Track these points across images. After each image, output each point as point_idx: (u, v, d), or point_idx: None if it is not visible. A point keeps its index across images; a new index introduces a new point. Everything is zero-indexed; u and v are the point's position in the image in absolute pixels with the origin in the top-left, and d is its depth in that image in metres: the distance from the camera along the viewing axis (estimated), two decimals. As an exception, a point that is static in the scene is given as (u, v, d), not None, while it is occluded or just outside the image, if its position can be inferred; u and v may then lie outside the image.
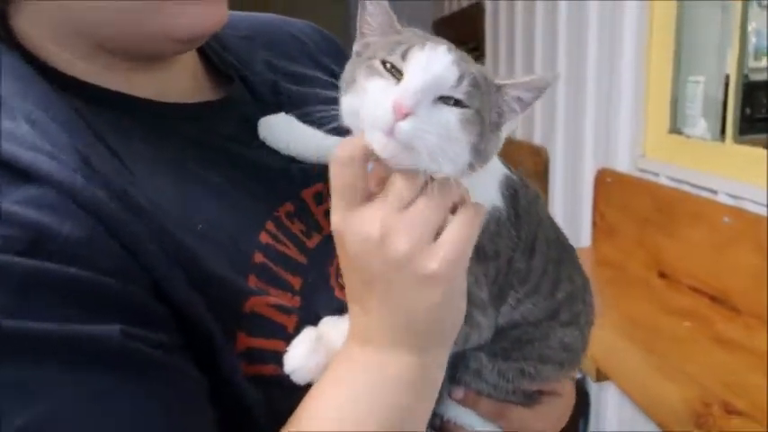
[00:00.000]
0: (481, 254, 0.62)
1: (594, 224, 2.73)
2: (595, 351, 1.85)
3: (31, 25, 0.61)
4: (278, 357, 0.59)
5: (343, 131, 0.65)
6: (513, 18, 3.56)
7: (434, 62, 0.53)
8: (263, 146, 0.72)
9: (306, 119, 0.72)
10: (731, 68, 2.06)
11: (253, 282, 0.61)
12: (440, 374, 0.60)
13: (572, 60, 2.87)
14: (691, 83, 2.35)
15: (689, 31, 2.34)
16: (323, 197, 0.72)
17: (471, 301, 0.61)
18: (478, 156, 0.55)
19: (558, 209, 3.11)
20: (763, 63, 3.30)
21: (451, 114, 0.53)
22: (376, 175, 0.55)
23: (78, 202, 0.50)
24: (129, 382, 0.49)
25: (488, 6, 3.99)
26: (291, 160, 0.72)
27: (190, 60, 0.73)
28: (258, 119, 0.73)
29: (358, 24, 0.60)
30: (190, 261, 0.56)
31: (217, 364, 0.56)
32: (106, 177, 0.54)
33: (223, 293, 0.58)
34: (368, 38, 0.60)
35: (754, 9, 3.20)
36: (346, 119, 0.57)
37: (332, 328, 0.62)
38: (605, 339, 1.92)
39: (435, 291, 0.53)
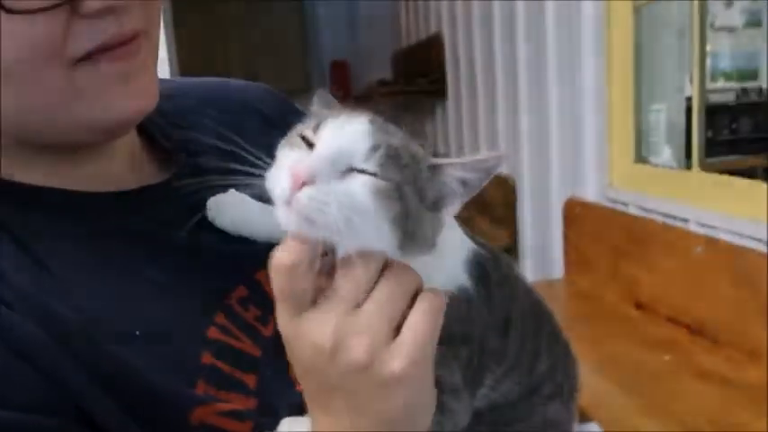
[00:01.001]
0: (451, 338, 0.57)
1: (566, 255, 2.71)
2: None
3: None
4: None
5: None
6: (471, 49, 3.57)
7: (344, 132, 0.50)
8: (211, 228, 0.66)
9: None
10: (694, 95, 2.06)
11: (201, 388, 0.56)
12: None
13: (533, 89, 2.88)
14: (653, 111, 2.36)
15: (647, 60, 2.35)
16: None
17: (442, 388, 0.57)
18: (409, 237, 0.50)
19: (527, 239, 3.09)
20: (719, 84, 3.37)
21: (358, 185, 0.49)
22: (321, 269, 0.50)
23: None
24: None
25: (447, 37, 4.00)
26: (244, 241, 0.67)
27: (126, 143, 0.67)
28: (206, 199, 0.67)
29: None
30: (125, 379, 0.52)
31: None
32: (24, 293, 0.49)
33: (166, 409, 0.53)
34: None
35: (707, 33, 3.27)
36: (269, 191, 0.53)
37: (293, 424, 0.57)
38: (585, 377, 1.88)
39: (401, 392, 0.49)
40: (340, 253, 0.49)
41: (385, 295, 0.49)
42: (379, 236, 0.49)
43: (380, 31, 5.54)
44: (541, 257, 2.98)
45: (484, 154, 0.53)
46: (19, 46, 0.49)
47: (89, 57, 0.53)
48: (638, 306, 2.24)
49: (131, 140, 0.68)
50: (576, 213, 2.61)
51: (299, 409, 0.58)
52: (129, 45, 0.54)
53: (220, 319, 0.61)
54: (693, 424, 1.62)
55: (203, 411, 0.55)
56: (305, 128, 0.52)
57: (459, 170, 0.53)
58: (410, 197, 0.50)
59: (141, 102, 0.58)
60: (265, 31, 6.10)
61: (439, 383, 0.56)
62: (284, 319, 0.50)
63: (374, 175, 0.49)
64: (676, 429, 1.61)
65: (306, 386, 0.52)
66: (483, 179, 0.53)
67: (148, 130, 0.71)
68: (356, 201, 0.48)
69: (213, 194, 0.67)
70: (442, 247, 0.58)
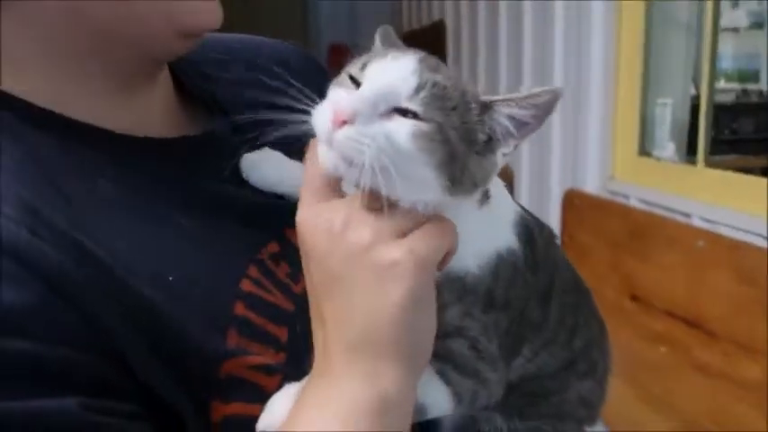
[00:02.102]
0: (491, 302, 0.57)
1: (564, 246, 2.72)
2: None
3: (12, 45, 0.55)
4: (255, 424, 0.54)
5: None
6: (475, 37, 3.56)
7: (390, 70, 0.50)
8: (245, 184, 0.66)
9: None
10: (702, 91, 2.07)
11: (233, 338, 0.55)
12: (406, 400, 0.51)
13: (537, 79, 2.87)
14: (659, 105, 2.37)
15: (656, 54, 2.35)
16: None
17: (480, 354, 0.57)
18: (455, 182, 0.49)
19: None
20: (721, 84, 3.38)
21: (400, 126, 0.48)
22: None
23: (24, 263, 0.46)
24: None
25: (450, 25, 3.98)
26: (277, 197, 0.67)
27: (166, 90, 0.68)
28: (240, 155, 0.67)
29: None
30: (155, 323, 0.51)
31: None
32: (59, 230, 0.49)
33: (195, 358, 0.53)
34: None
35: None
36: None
37: None
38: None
39: (397, 286, 0.48)
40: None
41: (400, 212, 0.50)
42: (421, 181, 0.48)
43: (382, 15, 5.51)
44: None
45: (538, 89, 0.51)
46: None
47: None
48: (635, 298, 2.25)
49: (168, 84, 0.68)
50: (575, 204, 2.61)
51: None
52: None
53: (253, 272, 0.61)
54: (690, 415, 1.63)
55: (233, 364, 0.54)
56: (353, 66, 0.52)
57: (513, 107, 0.51)
58: (456, 140, 0.49)
59: (215, 13, 0.61)
60: (266, 12, 6.06)
61: (476, 349, 0.56)
62: (306, 204, 0.52)
63: (416, 115, 0.48)
64: (674, 420, 1.63)
65: (311, 289, 0.53)
66: (541, 117, 0.51)
67: (183, 82, 0.70)
68: (396, 143, 0.47)
69: (249, 151, 0.67)
70: (493, 204, 0.57)
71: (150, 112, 0.64)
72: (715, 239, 1.92)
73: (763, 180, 1.88)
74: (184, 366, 0.52)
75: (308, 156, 0.53)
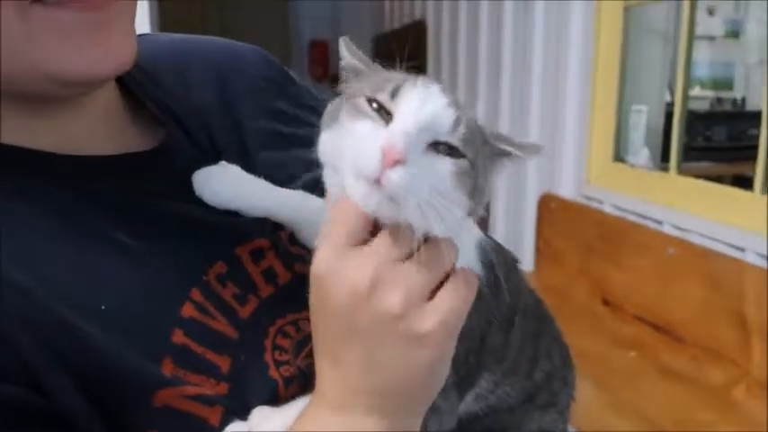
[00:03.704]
0: None
1: (538, 249, 2.74)
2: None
3: None
4: None
5: (286, 182, 0.61)
6: (456, 39, 3.56)
7: (429, 102, 0.47)
8: (197, 200, 0.62)
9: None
10: (676, 99, 2.09)
11: (168, 368, 0.53)
12: None
13: (516, 82, 2.88)
14: (634, 112, 2.39)
15: (633, 61, 2.37)
16: (262, 254, 0.64)
17: None
18: (473, 212, 0.50)
19: (500, 231, 3.11)
20: (695, 92, 3.42)
21: (446, 165, 0.47)
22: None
23: None
24: None
25: (431, 25, 3.98)
26: (230, 214, 0.64)
27: (101, 101, 0.62)
28: (194, 170, 0.63)
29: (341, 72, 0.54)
30: (84, 355, 0.49)
31: None
32: None
33: (127, 389, 0.51)
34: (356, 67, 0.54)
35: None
36: (323, 156, 0.51)
37: (265, 420, 0.54)
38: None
39: (424, 354, 0.48)
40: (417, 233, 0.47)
41: (426, 258, 0.47)
42: (451, 218, 0.47)
43: (363, 13, 5.50)
44: (513, 250, 2.99)
45: (531, 141, 0.53)
46: None
47: (49, 2, 0.49)
48: (606, 303, 2.28)
49: (107, 99, 0.63)
50: (550, 208, 2.63)
51: (271, 398, 0.57)
52: None
53: (196, 295, 0.57)
54: (657, 420, 1.65)
55: (168, 393, 0.52)
56: (374, 92, 0.48)
57: (510, 146, 0.51)
58: (480, 171, 0.49)
59: (113, 56, 0.54)
60: (247, 8, 6.02)
61: None
62: (326, 255, 0.48)
63: (455, 151, 0.47)
64: (641, 424, 1.64)
65: (323, 331, 0.50)
66: (527, 159, 0.52)
67: (130, 91, 0.66)
68: (444, 182, 0.46)
69: (201, 167, 0.63)
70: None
71: (83, 131, 0.60)
72: (685, 247, 1.95)
73: (733, 189, 1.91)
74: (116, 399, 0.50)
75: (337, 203, 0.49)
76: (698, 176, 2.14)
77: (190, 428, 0.52)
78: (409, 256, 0.47)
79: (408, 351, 0.48)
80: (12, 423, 0.45)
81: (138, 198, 0.59)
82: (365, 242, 0.48)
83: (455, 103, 0.48)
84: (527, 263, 2.82)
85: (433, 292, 0.48)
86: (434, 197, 0.46)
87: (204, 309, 0.57)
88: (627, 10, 2.30)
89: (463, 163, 0.47)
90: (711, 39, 3.39)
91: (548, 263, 2.67)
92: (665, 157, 2.28)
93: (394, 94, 0.47)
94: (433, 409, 0.56)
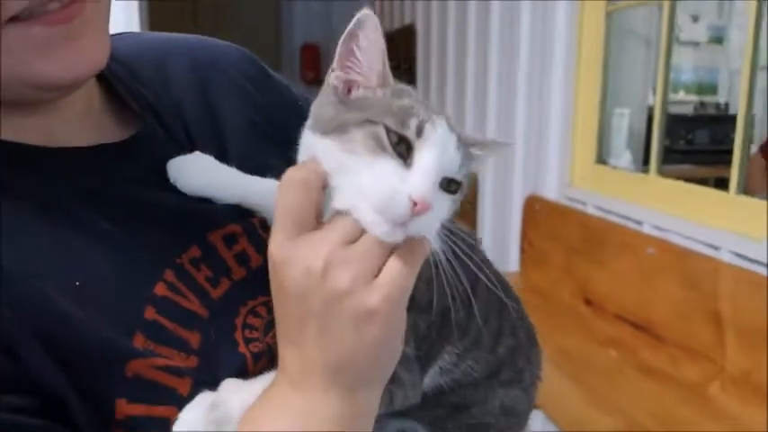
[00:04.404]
0: (411, 303, 0.58)
1: (523, 250, 2.77)
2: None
3: None
4: (165, 425, 0.55)
5: (260, 171, 0.65)
6: (444, 43, 3.61)
7: (447, 147, 0.51)
8: (171, 187, 0.66)
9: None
10: (656, 105, 2.14)
11: (139, 341, 0.56)
12: (371, 416, 0.57)
13: (502, 85, 2.92)
14: (616, 115, 2.43)
15: (615, 66, 2.42)
16: (235, 238, 0.67)
17: None
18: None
19: (486, 232, 3.14)
20: (680, 96, 3.48)
21: (449, 202, 0.53)
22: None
23: None
24: None
25: (420, 29, 4.03)
26: (203, 201, 0.67)
27: (81, 96, 0.65)
28: (169, 159, 0.66)
29: (340, 50, 0.54)
30: (58, 326, 0.52)
31: None
32: None
33: (100, 360, 0.54)
34: (352, 75, 0.55)
35: (673, 46, 3.37)
36: (324, 163, 0.53)
37: (233, 393, 0.57)
38: (535, 368, 1.94)
39: (373, 328, 0.51)
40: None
41: (374, 239, 0.50)
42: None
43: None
44: (499, 251, 3.03)
45: (497, 139, 0.59)
46: None
47: (22, 18, 0.52)
48: (588, 303, 2.31)
49: (88, 94, 0.66)
50: (535, 210, 2.67)
51: (240, 372, 0.60)
52: (69, 7, 0.53)
53: (169, 276, 0.61)
54: (634, 416, 1.68)
55: (139, 364, 0.55)
56: (400, 127, 0.50)
57: (483, 159, 0.57)
58: (466, 185, 0.54)
59: (85, 61, 0.57)
60: (239, 10, 6.05)
61: None
62: (279, 240, 0.51)
63: (460, 184, 0.52)
64: (618, 420, 1.68)
65: (283, 314, 0.54)
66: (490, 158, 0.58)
67: (111, 85, 0.69)
68: (446, 213, 0.53)
69: (175, 156, 0.66)
70: None
71: (62, 124, 0.63)
72: (664, 246, 1.99)
73: (710, 190, 1.95)
74: (90, 369, 0.53)
75: (284, 181, 0.52)
76: (680, 179, 2.17)
77: (159, 396, 0.55)
78: (359, 235, 0.51)
79: (359, 327, 0.50)
80: None
81: (116, 186, 0.62)
82: (315, 226, 0.52)
83: (459, 138, 0.52)
84: (513, 264, 2.86)
85: (382, 265, 0.51)
86: (439, 223, 0.52)
87: (176, 289, 0.60)
88: (609, 15, 2.34)
89: (459, 192, 0.52)
90: (696, 44, 3.45)
91: (532, 264, 2.71)
92: (647, 159, 2.32)
93: (419, 133, 0.50)
94: (398, 382, 0.59)
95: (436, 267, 0.58)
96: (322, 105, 0.55)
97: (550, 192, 2.59)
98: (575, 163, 2.50)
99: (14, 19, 0.51)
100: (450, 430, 0.68)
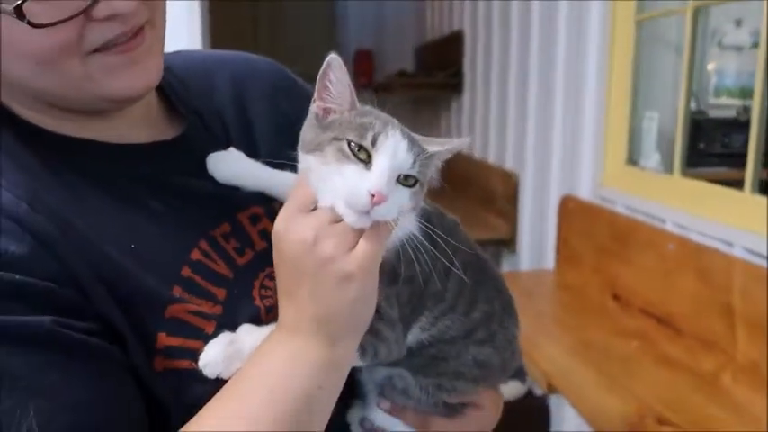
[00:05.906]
0: (396, 277, 0.72)
1: (558, 249, 2.87)
2: (547, 367, 1.99)
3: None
4: (194, 354, 0.68)
5: (282, 167, 0.77)
6: (490, 48, 3.72)
7: (398, 150, 0.64)
8: (208, 177, 0.79)
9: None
10: (680, 108, 2.22)
11: (177, 291, 0.70)
12: (349, 361, 0.70)
13: (541, 89, 3.03)
14: (647, 118, 2.51)
15: (645, 71, 2.50)
16: (258, 218, 0.82)
17: (381, 317, 0.71)
18: (412, 210, 0.69)
19: (525, 232, 3.25)
20: (722, 100, 3.49)
21: (407, 193, 0.66)
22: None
23: (21, 225, 0.61)
24: (58, 358, 0.59)
25: (467, 35, 4.16)
26: (234, 189, 0.80)
27: (142, 105, 0.79)
28: (208, 154, 0.80)
29: (317, 85, 0.68)
30: (118, 276, 0.67)
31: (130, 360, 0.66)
32: (51, 207, 0.65)
33: (147, 302, 0.68)
34: (328, 103, 0.69)
35: (714, 50, 3.41)
36: (311, 176, 0.67)
37: (247, 335, 0.70)
38: (559, 358, 2.06)
39: (351, 288, 0.65)
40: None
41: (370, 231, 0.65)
42: (405, 215, 0.68)
43: (406, 25, 5.69)
44: (538, 250, 3.14)
45: (457, 139, 0.72)
46: (42, 48, 0.62)
47: (100, 50, 0.65)
48: (616, 298, 2.40)
49: (147, 103, 0.80)
50: (569, 209, 2.76)
51: (254, 320, 0.73)
52: (134, 39, 0.67)
53: (204, 245, 0.75)
54: (647, 401, 1.78)
55: (176, 308, 0.69)
56: (358, 138, 0.64)
57: (444, 154, 0.70)
58: (425, 181, 0.69)
59: (143, 81, 0.70)
60: (294, 17, 6.28)
61: (379, 313, 0.71)
62: (285, 216, 0.67)
63: (416, 179, 0.66)
64: (630, 404, 1.78)
65: (281, 276, 0.67)
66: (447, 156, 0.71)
67: (165, 93, 0.85)
68: (405, 203, 0.66)
69: (214, 151, 0.82)
70: None
71: (127, 126, 0.77)
72: (683, 243, 2.08)
73: (728, 189, 2.03)
74: (138, 308, 0.67)
75: (299, 182, 0.68)
76: (713, 181, 2.21)
77: (191, 333, 0.70)
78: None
79: (340, 287, 0.64)
80: (62, 315, 0.61)
81: (165, 174, 0.77)
82: (312, 210, 0.67)
83: (412, 145, 0.66)
84: (549, 262, 2.96)
85: (357, 241, 0.66)
86: (400, 212, 0.66)
87: (209, 255, 0.75)
88: (638, 24, 2.43)
89: (417, 187, 0.67)
90: (739, 49, 3.46)
91: (566, 262, 2.80)
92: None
93: (374, 142, 0.64)
94: (382, 339, 0.73)
95: (415, 248, 0.72)
96: (306, 130, 0.71)
97: (584, 192, 2.69)
98: (606, 164, 2.58)
99: (94, 50, 0.65)
100: (431, 375, 0.81)
